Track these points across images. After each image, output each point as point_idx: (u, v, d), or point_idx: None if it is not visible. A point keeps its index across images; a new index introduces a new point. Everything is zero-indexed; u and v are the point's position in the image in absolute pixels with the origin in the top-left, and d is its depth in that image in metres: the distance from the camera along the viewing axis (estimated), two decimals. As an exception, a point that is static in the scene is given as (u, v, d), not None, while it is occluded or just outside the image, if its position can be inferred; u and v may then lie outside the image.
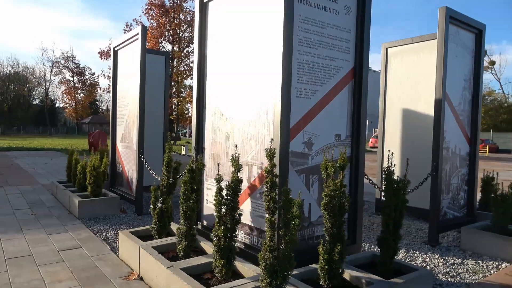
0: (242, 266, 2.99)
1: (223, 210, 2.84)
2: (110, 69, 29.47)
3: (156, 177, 5.48)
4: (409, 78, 6.00)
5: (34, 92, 64.66)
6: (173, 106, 29.32)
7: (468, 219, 5.13)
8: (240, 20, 3.73)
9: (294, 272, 2.90)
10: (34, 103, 66.28)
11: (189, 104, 32.20)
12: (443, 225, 4.75)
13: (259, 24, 3.47)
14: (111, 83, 7.05)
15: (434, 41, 5.62)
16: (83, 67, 58.33)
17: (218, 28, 4.10)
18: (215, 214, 2.87)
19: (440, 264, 3.99)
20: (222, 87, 3.99)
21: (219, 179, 2.91)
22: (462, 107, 5.05)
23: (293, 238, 2.36)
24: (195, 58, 4.39)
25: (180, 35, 30.06)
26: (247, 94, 3.60)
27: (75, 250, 4.05)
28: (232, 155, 3.05)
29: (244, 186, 3.63)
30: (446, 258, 4.18)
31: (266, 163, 3.36)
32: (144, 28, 5.71)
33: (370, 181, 4.32)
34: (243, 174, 3.65)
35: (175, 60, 29.62)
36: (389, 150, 3.22)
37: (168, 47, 30.28)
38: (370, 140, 34.29)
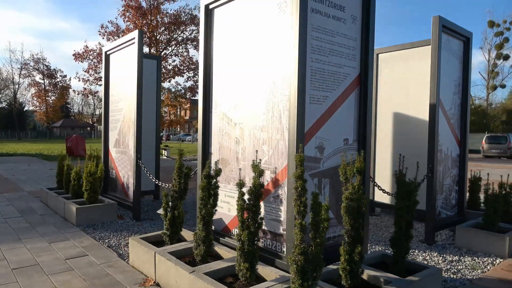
0: (262, 269, 3.06)
1: (246, 215, 2.90)
2: (85, 71, 28.92)
3: (157, 182, 5.47)
4: (400, 83, 6.24)
5: (0, 95, 62.14)
6: (151, 109, 28.92)
7: (459, 218, 5.38)
8: (250, 27, 3.80)
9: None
10: (1, 106, 63.68)
11: (167, 108, 31.85)
12: (438, 225, 4.97)
13: (271, 31, 3.56)
14: (102, 88, 6.95)
15: (424, 48, 5.89)
16: (54, 69, 56.65)
17: (225, 35, 4.16)
18: (238, 218, 2.92)
19: (440, 261, 4.19)
20: (231, 93, 4.04)
21: (240, 184, 2.97)
22: (452, 111, 5.30)
23: (322, 240, 2.46)
24: (200, 64, 4.42)
25: (158, 37, 29.70)
26: (259, 101, 3.67)
27: (82, 258, 3.99)
28: (253, 160, 3.12)
29: (257, 190, 3.69)
30: (444, 255, 4.38)
31: (280, 167, 3.46)
32: (140, 33, 5.69)
33: (375, 184, 4.47)
34: (255, 179, 3.72)
35: (154, 62, 29.22)
36: (400, 154, 3.37)
37: (145, 49, 29.86)
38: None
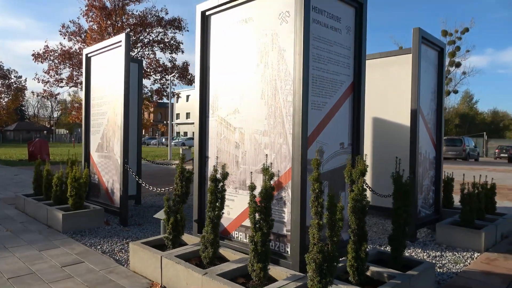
0: (273, 269, 3.17)
1: (258, 217, 3.00)
2: (45, 72, 27.70)
3: (147, 187, 5.43)
4: (378, 89, 6.56)
5: None
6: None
7: (436, 217, 5.74)
8: (251, 35, 3.91)
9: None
10: None
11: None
12: (419, 223, 5.29)
13: (273, 39, 3.69)
14: (83, 91, 6.78)
15: (402, 56, 6.26)
16: (7, 69, 53.69)
17: (223, 42, 4.24)
18: (251, 220, 3.02)
19: (425, 257, 4.48)
20: (230, 99, 4.13)
21: (252, 187, 3.07)
22: (430, 116, 5.67)
23: (338, 239, 2.61)
24: (196, 70, 4.48)
25: (122, 39, 29.11)
26: (260, 106, 3.78)
27: (78, 265, 3.92)
28: (264, 163, 3.23)
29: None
30: (427, 251, 4.69)
31: (283, 170, 3.59)
32: (128, 36, 5.64)
33: (367, 187, 4.69)
34: (257, 182, 3.83)
35: (118, 64, 28.52)
36: (396, 157, 3.59)
37: (110, 51, 29.14)
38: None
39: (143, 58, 29.67)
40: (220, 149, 4.25)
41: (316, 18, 3.58)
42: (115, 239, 4.89)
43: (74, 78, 27.90)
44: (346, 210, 4.01)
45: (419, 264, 3.40)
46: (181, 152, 21.13)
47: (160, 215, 4.42)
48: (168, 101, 28.13)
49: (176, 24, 29.48)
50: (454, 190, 6.29)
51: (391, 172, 3.55)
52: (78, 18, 31.01)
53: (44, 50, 27.14)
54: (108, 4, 28.46)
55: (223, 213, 3.43)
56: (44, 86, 28.04)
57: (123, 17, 28.80)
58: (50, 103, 67.97)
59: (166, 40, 29.11)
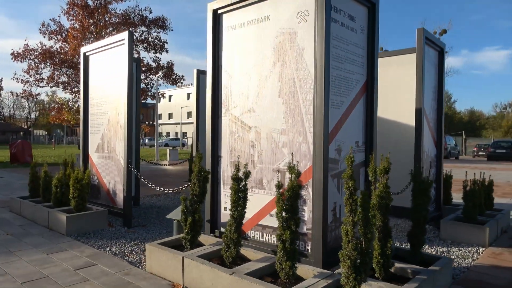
0: (300, 267, 3.17)
1: (285, 215, 3.00)
2: (25, 71, 26.91)
3: (155, 188, 5.35)
4: (379, 88, 6.63)
5: None
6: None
7: (437, 213, 5.87)
8: (266, 34, 3.90)
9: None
10: None
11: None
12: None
13: (290, 38, 3.69)
14: (81, 90, 6.62)
15: (401, 56, 6.36)
16: (-19, 68, 51.92)
17: (237, 40, 4.22)
18: (278, 219, 3.01)
19: (433, 252, 4.57)
20: (244, 98, 4.11)
21: (279, 186, 3.06)
22: (431, 115, 5.79)
23: (373, 236, 2.63)
24: (208, 69, 4.44)
25: (106, 37, 28.52)
26: (278, 105, 3.78)
27: (92, 267, 3.83)
28: (289, 162, 3.22)
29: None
30: (434, 247, 4.78)
31: (302, 169, 3.60)
32: (131, 34, 5.54)
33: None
34: (275, 181, 3.83)
35: (100, 64, 27.97)
36: (413, 156, 3.65)
37: (92, 50, 28.57)
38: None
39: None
40: (234, 148, 4.22)
41: (335, 18, 3.60)
42: (122, 241, 4.79)
43: (56, 78, 27.24)
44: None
45: (437, 259, 3.46)
46: (168, 152, 20.92)
47: (174, 215, 4.36)
48: (152, 102, 27.79)
49: (160, 23, 29.13)
50: (452, 188, 6.44)
51: (394, 169, 3.60)
52: (59, 16, 30.27)
53: (24, 49, 26.38)
54: (90, 2, 27.93)
55: (245, 212, 3.41)
56: (24, 86, 27.25)
57: (106, 15, 28.30)
58: (27, 104, 65.96)
59: (150, 39, 28.74)
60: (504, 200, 8.54)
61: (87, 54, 6.51)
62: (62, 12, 27.91)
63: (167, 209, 6.95)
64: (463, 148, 38.72)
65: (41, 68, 27.22)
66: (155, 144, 20.26)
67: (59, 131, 63.88)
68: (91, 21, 27.65)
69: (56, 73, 27.29)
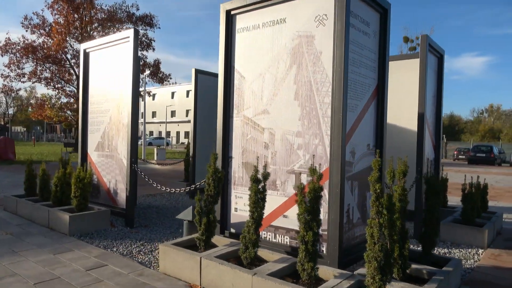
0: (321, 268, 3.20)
1: (308, 217, 3.04)
2: (5, 66, 26.16)
3: (159, 187, 5.30)
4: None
5: None
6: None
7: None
8: (283, 34, 3.93)
9: (364, 270, 3.23)
10: None
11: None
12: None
13: (307, 41, 3.74)
14: (80, 88, 6.49)
15: (399, 62, 6.51)
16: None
17: (249, 40, 4.23)
18: (301, 220, 3.04)
19: (435, 253, 4.68)
20: (258, 99, 4.13)
21: (301, 188, 3.09)
22: (431, 120, 5.94)
23: (398, 237, 2.70)
24: (220, 70, 4.43)
25: (91, 33, 27.98)
26: (293, 108, 3.82)
27: (103, 268, 3.77)
28: (311, 164, 3.26)
29: (291, 193, 3.84)
30: (436, 248, 4.90)
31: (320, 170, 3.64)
32: (136, 32, 5.47)
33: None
34: (289, 182, 3.87)
35: (85, 60, 27.43)
36: (427, 159, 3.75)
37: (77, 45, 27.93)
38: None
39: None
40: (246, 149, 4.24)
41: (352, 23, 3.66)
42: (127, 241, 4.73)
43: (38, 73, 26.58)
44: (369, 208, 4.14)
45: (446, 260, 3.56)
46: (155, 151, 20.69)
47: (184, 216, 4.35)
48: (141, 100, 27.37)
49: (147, 20, 28.83)
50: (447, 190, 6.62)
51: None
52: (42, 10, 29.46)
53: (5, 43, 25.64)
54: (75, -4, 27.35)
55: (263, 213, 3.43)
56: (4, 80, 26.55)
57: (92, 11, 27.80)
58: (5, 99, 63.99)
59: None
60: (491, 203, 8.78)
61: (87, 50, 6.40)
62: (46, 6, 27.33)
63: (166, 209, 6.90)
64: (444, 151, 39.63)
65: (23, 63, 26.56)
66: (143, 143, 19.96)
67: (38, 128, 62.22)
68: (76, 16, 27.12)
69: (39, 68, 26.64)
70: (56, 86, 27.33)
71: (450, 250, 4.87)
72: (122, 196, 5.67)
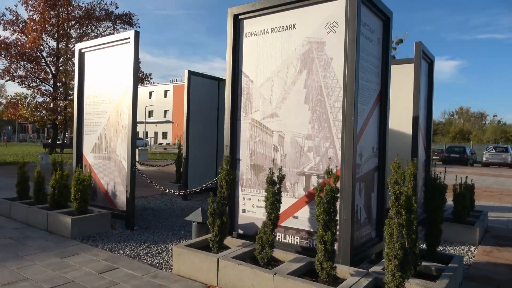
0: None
1: (326, 218, 3.15)
2: None
3: (161, 189, 5.30)
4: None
5: None
6: (59, 109, 26.36)
7: (426, 215, 6.26)
8: (292, 40, 4.03)
9: (378, 268, 3.38)
10: None
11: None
12: (417, 221, 5.74)
13: (317, 47, 3.86)
14: (75, 88, 6.39)
15: (392, 67, 6.72)
16: None
17: (258, 45, 4.31)
18: (320, 221, 3.15)
19: (433, 251, 4.90)
20: (267, 102, 4.22)
21: (320, 189, 3.20)
22: (423, 123, 6.19)
23: (417, 236, 2.84)
24: (227, 73, 4.49)
25: (68, 31, 27.29)
26: (304, 111, 3.93)
27: (115, 271, 3.76)
28: (327, 167, 3.37)
29: (301, 194, 3.95)
30: (431, 246, 5.13)
31: (329, 173, 3.76)
32: (137, 33, 5.45)
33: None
34: (299, 184, 3.98)
35: (62, 58, 26.73)
36: (432, 159, 3.93)
37: (53, 43, 27.20)
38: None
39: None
40: (254, 151, 4.31)
41: (361, 30, 3.81)
42: (132, 244, 4.72)
43: (12, 71, 25.70)
44: (374, 209, 4.30)
45: (451, 257, 3.76)
46: (137, 152, 20.40)
47: (193, 217, 4.38)
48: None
49: (126, 19, 28.36)
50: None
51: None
52: (15, 6, 28.38)
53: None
54: (51, -8, 26.58)
55: (279, 214, 3.52)
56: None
57: (69, 8, 27.10)
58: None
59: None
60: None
61: (82, 50, 6.31)
62: (19, 1, 26.45)
63: (162, 211, 6.89)
64: (418, 152, 40.88)
65: (-3, 61, 25.63)
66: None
67: (9, 127, 59.95)
68: (52, 13, 26.39)
69: (13, 66, 25.77)
70: (31, 85, 26.52)
71: (444, 247, 5.10)
72: (121, 198, 5.63)
